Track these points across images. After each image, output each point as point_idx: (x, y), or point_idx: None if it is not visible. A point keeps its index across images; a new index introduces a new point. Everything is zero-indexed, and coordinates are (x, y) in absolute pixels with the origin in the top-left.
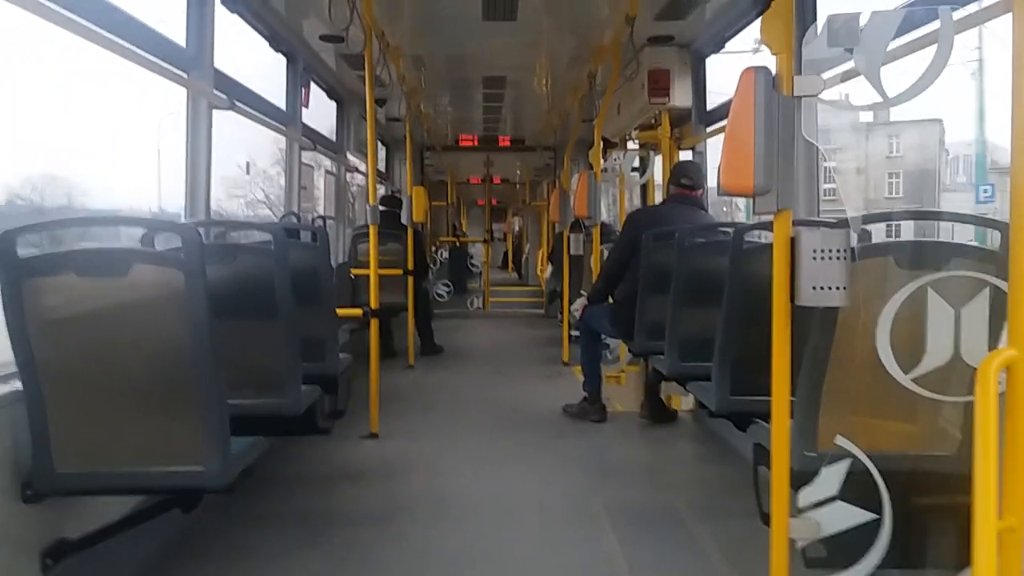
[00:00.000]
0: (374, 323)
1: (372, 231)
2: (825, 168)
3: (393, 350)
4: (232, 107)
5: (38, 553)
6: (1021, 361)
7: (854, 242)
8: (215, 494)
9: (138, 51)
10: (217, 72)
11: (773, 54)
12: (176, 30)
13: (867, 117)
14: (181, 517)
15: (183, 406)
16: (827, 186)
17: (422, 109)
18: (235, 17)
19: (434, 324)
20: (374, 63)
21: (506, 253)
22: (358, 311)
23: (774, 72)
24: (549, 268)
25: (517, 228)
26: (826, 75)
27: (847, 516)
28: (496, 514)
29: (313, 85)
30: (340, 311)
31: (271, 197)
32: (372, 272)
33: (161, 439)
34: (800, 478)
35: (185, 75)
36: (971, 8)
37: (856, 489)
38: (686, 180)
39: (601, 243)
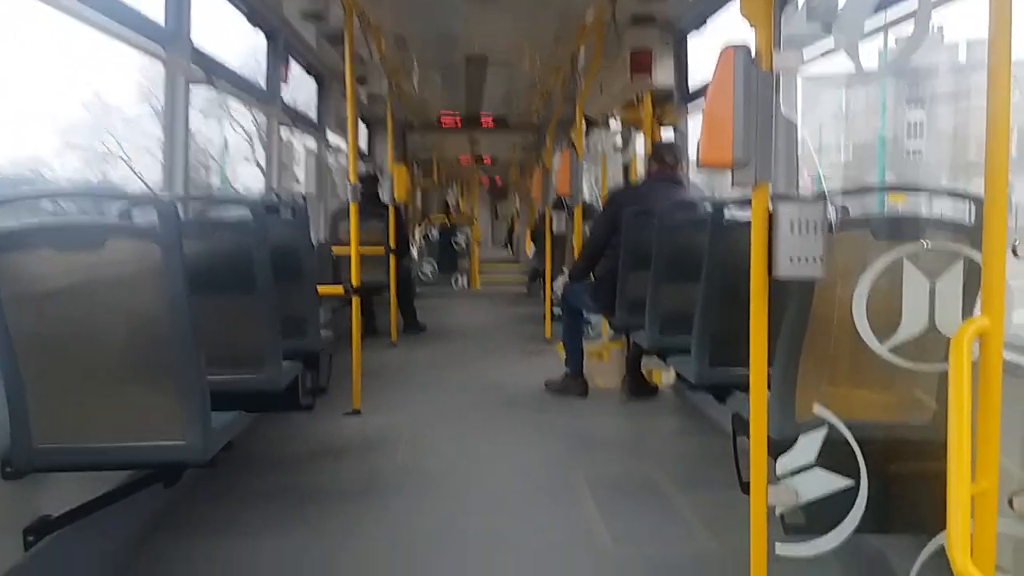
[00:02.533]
0: (355, 301)
1: (353, 209)
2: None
3: (375, 328)
4: (209, 82)
5: (20, 531)
6: (994, 330)
7: (831, 215)
8: (197, 469)
9: (116, 25)
10: (195, 49)
11: (752, 27)
12: (154, 5)
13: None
14: (163, 493)
15: (162, 380)
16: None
17: (403, 88)
18: None
19: (418, 303)
20: (355, 41)
21: (508, 231)
22: (339, 289)
23: (753, 49)
24: (532, 247)
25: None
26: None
27: (824, 483)
28: (478, 487)
29: (293, 63)
30: (321, 289)
31: (131, 153)
32: (353, 250)
33: (140, 414)
34: (778, 447)
35: (163, 50)
36: None
37: (833, 457)
38: (668, 157)
39: (583, 222)
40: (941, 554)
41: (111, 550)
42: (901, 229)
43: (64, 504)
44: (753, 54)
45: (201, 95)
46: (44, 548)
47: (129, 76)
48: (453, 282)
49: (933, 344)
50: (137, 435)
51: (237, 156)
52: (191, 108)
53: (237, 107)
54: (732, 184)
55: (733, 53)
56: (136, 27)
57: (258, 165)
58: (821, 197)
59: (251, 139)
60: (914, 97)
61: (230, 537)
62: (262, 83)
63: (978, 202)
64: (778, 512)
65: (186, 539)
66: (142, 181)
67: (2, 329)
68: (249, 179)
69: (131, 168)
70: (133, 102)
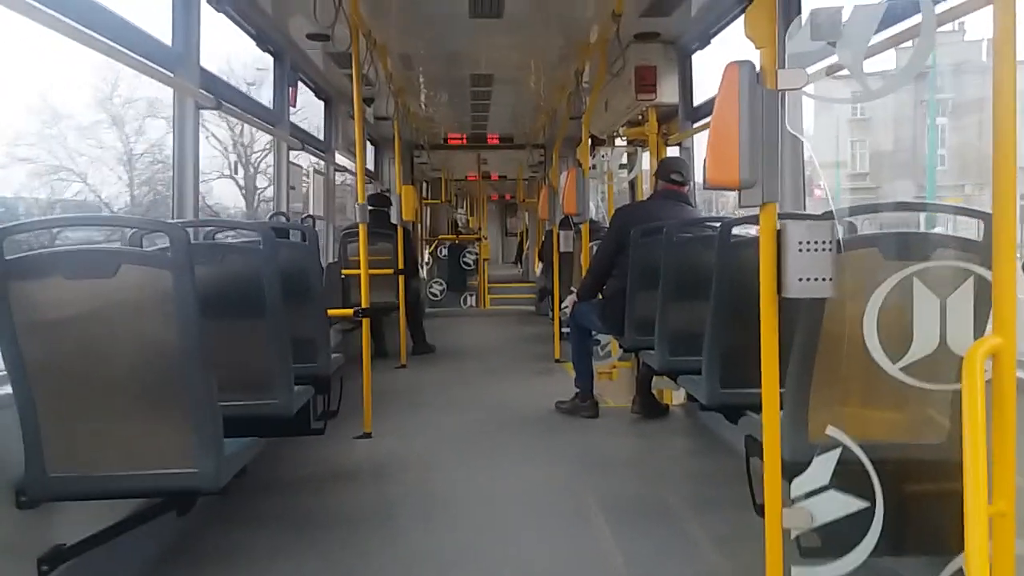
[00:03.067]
0: (365, 323)
1: (362, 230)
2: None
3: (385, 350)
4: (219, 107)
5: (34, 560)
6: (1006, 349)
7: (839, 234)
8: (210, 496)
9: (124, 51)
10: (203, 71)
11: (757, 48)
12: (163, 29)
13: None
14: (176, 520)
15: (175, 408)
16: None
17: (410, 108)
18: (222, 17)
19: (427, 323)
20: (361, 61)
21: (518, 248)
22: (349, 311)
23: (758, 66)
24: (539, 266)
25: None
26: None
27: (840, 505)
28: (490, 511)
29: (301, 84)
30: (331, 311)
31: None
32: (363, 272)
33: (154, 441)
34: (792, 468)
35: (171, 75)
36: (953, 1)
37: (848, 478)
38: (675, 175)
39: (590, 240)
40: None
41: None
42: (910, 247)
43: (78, 533)
44: (758, 72)
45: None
46: None
47: (82, 78)
48: (462, 302)
49: (946, 363)
50: (150, 463)
51: (211, 171)
52: (158, 118)
53: (211, 116)
54: (739, 204)
55: (738, 70)
56: (145, 51)
57: (234, 180)
58: (829, 216)
59: (227, 151)
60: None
61: (242, 564)
62: (270, 105)
63: (987, 218)
64: (793, 535)
65: (198, 566)
66: (99, 197)
67: (16, 357)
68: (226, 197)
69: (85, 183)
70: (87, 108)
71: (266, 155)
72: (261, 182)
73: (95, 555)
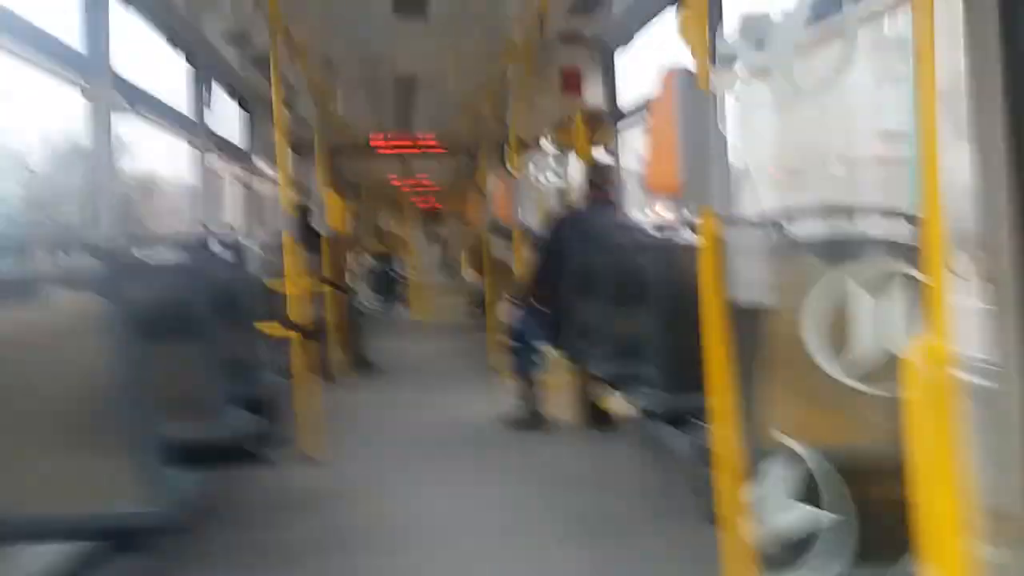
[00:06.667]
0: (297, 338)
1: (287, 240)
2: None
3: (332, 373)
4: (131, 110)
5: None
6: (942, 348)
7: (775, 239)
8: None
9: (33, 53)
10: (117, 77)
11: (692, 53)
12: (70, 32)
13: None
14: (123, 559)
15: (111, 439)
16: None
17: (330, 111)
18: (133, 16)
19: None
20: (280, 63)
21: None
22: (277, 327)
23: (692, 69)
24: (468, 272)
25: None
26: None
27: (793, 512)
28: (443, 535)
29: (216, 87)
30: (260, 326)
31: None
32: (288, 284)
33: (91, 477)
34: (745, 476)
35: (82, 80)
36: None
37: (800, 484)
38: (598, 180)
39: (523, 246)
40: None
41: None
42: (843, 250)
43: None
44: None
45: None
46: None
47: None
48: (393, 312)
49: (886, 364)
50: (87, 502)
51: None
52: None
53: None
54: (679, 210)
55: (674, 75)
56: (55, 55)
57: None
58: (766, 221)
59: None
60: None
61: None
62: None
63: (915, 220)
64: (749, 543)
65: None
66: None
67: None
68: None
69: None
70: None
71: None
72: None
73: None
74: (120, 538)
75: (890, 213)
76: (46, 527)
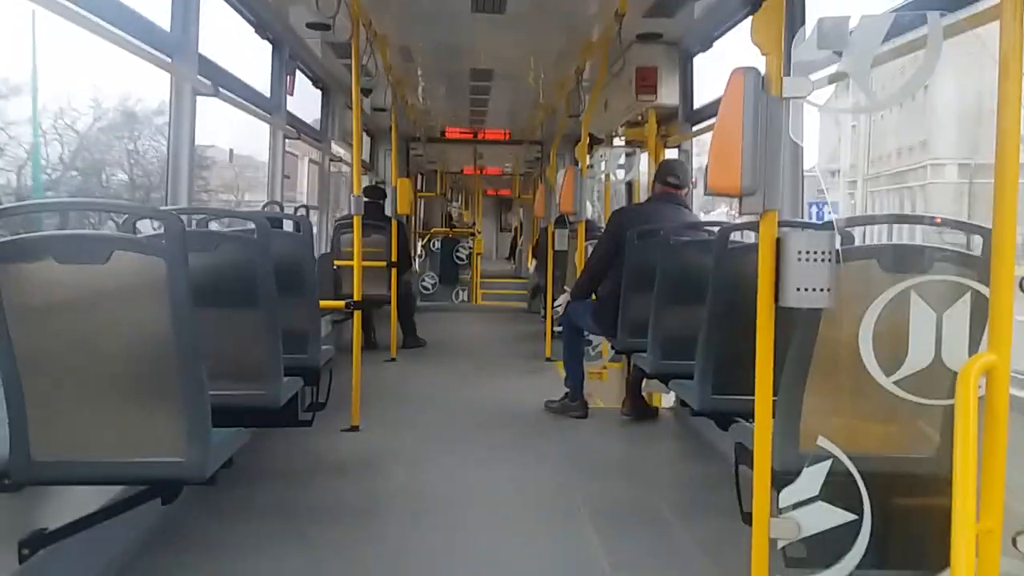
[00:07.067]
0: (357, 315)
1: (356, 222)
2: None
3: (375, 342)
4: (216, 94)
5: (16, 543)
6: (1001, 366)
7: (838, 244)
8: (195, 485)
9: (122, 34)
10: (201, 58)
11: (763, 55)
12: (161, 14)
13: None
14: (160, 508)
15: (163, 396)
16: None
17: (408, 100)
18: (221, 2)
19: (418, 317)
20: (360, 52)
21: (512, 244)
22: (340, 303)
23: (763, 73)
24: (533, 263)
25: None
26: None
27: (827, 516)
28: (475, 510)
29: (299, 73)
30: (323, 303)
31: None
32: (356, 264)
33: (140, 429)
34: (781, 478)
35: (169, 60)
36: (960, 14)
37: (837, 489)
38: (672, 178)
39: (585, 239)
40: None
41: (106, 564)
42: (908, 260)
43: (60, 518)
44: (763, 79)
45: None
46: (39, 561)
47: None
48: (453, 296)
49: (939, 378)
50: (136, 451)
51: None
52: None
53: None
54: (740, 211)
55: (743, 77)
56: (142, 36)
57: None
58: (829, 225)
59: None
60: None
61: (225, 554)
62: (266, 92)
63: (986, 234)
64: (780, 545)
65: (181, 555)
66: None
67: (3, 339)
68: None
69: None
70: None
71: None
72: None
73: (77, 540)
74: (162, 487)
75: (962, 225)
76: (97, 471)
